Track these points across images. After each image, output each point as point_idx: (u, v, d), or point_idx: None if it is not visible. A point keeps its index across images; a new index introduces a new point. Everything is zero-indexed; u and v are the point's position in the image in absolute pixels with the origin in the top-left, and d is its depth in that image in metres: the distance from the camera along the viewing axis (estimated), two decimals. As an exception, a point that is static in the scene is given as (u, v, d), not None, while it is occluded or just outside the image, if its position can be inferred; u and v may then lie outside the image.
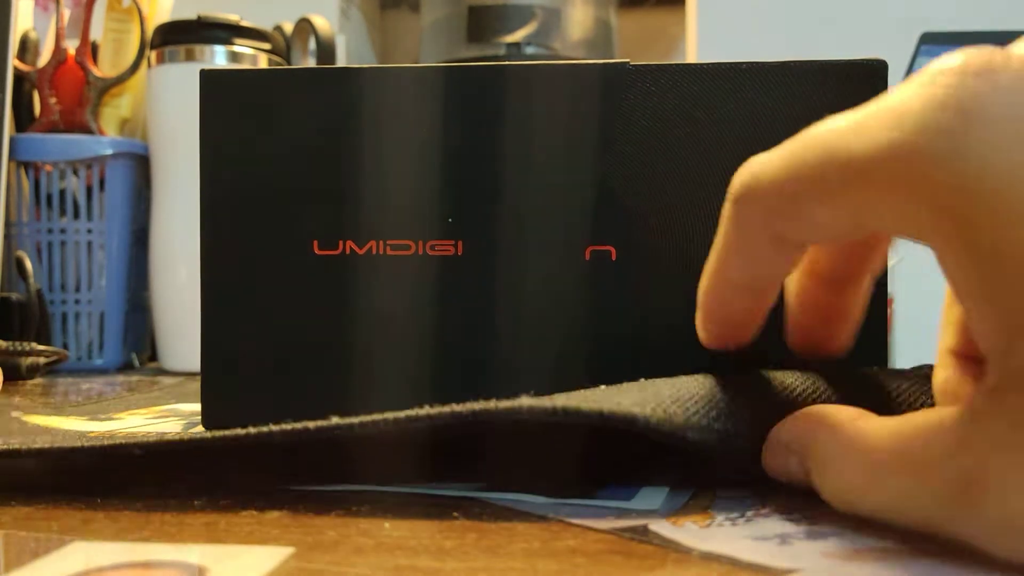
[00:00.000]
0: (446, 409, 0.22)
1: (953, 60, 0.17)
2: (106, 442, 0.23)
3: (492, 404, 0.22)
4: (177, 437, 0.23)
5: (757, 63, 0.31)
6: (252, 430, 0.22)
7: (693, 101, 0.31)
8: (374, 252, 0.32)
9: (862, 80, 0.30)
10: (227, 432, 0.23)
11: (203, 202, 0.32)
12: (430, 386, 0.32)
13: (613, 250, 0.31)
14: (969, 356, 0.23)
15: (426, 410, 0.22)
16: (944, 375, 0.24)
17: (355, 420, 0.22)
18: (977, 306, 0.17)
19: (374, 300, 0.32)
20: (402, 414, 0.22)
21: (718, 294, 0.24)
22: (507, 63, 0.32)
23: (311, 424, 0.22)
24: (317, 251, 0.32)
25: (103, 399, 0.45)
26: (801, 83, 0.30)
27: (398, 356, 0.32)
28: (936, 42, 0.78)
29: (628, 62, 0.31)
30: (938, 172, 0.17)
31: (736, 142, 0.31)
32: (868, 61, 0.30)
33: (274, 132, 0.32)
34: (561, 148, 0.31)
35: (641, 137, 0.31)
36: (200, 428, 0.33)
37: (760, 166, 0.21)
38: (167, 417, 0.37)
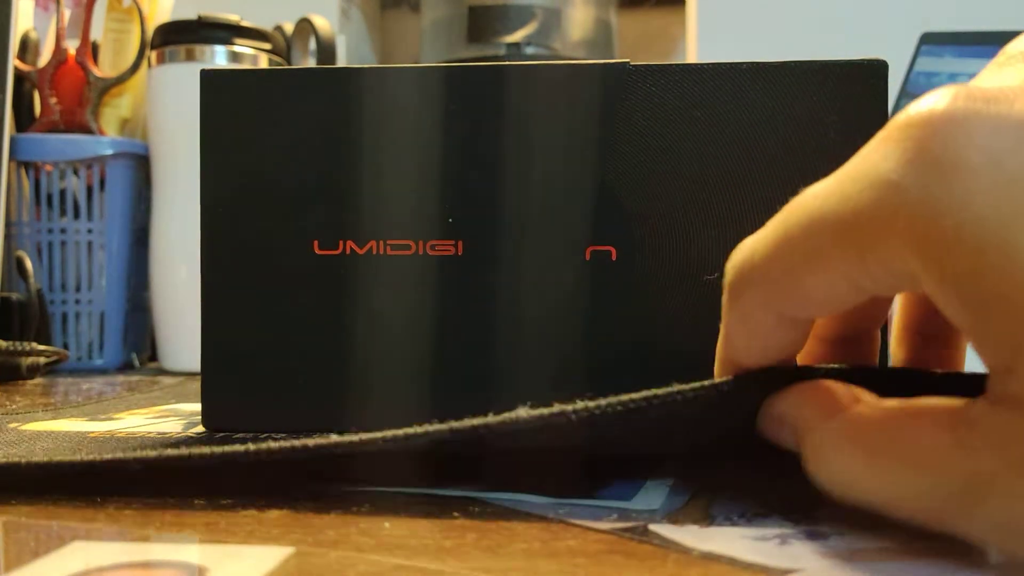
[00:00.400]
0: (444, 426, 0.22)
1: (919, 109, 0.17)
2: (106, 456, 0.23)
3: (489, 417, 0.22)
4: (176, 453, 0.23)
5: (757, 63, 0.31)
6: (251, 447, 0.22)
7: (693, 101, 0.31)
8: (374, 252, 0.31)
9: (862, 80, 0.30)
10: (227, 449, 0.23)
11: (203, 202, 0.32)
12: (430, 386, 0.32)
13: (613, 250, 0.31)
14: (929, 334, 0.23)
15: (424, 427, 0.22)
16: (903, 356, 0.23)
17: (355, 438, 0.22)
18: (976, 340, 0.17)
19: (374, 300, 0.32)
20: (401, 432, 0.22)
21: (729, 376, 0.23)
22: (507, 63, 0.32)
23: (310, 441, 0.22)
24: (317, 251, 0.32)
25: (103, 399, 0.45)
26: (801, 83, 0.30)
27: (398, 356, 0.32)
28: (936, 42, 0.79)
29: (628, 62, 0.31)
30: (919, 225, 0.17)
31: (737, 142, 0.31)
32: (868, 61, 0.30)
33: (274, 132, 0.32)
34: (561, 148, 0.31)
35: (641, 137, 0.31)
36: (200, 428, 0.33)
37: (751, 247, 0.20)
38: (167, 417, 0.37)
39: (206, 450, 0.23)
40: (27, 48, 0.68)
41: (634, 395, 0.21)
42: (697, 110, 0.31)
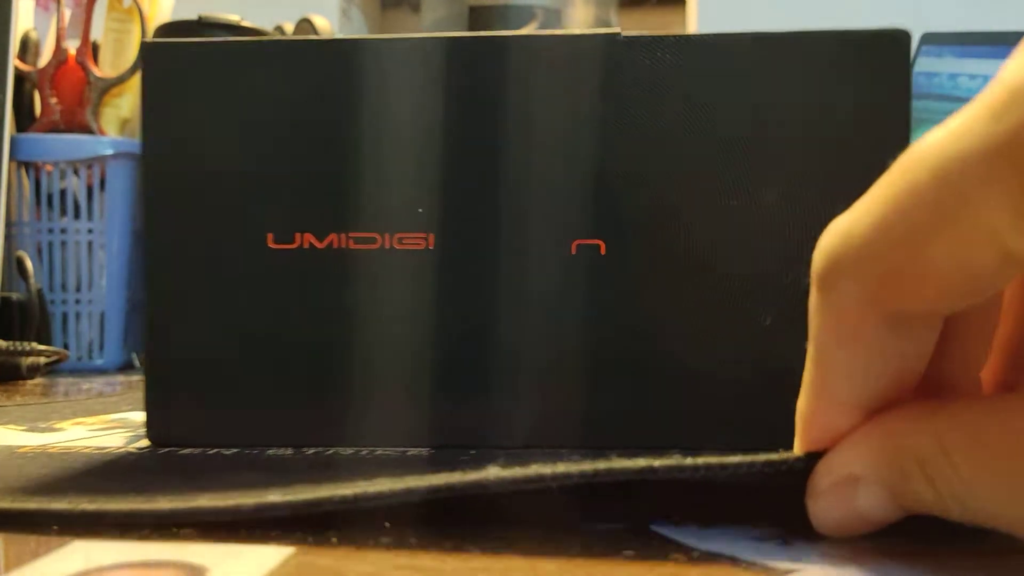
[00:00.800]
0: (399, 486, 0.19)
1: None
2: (29, 505, 0.20)
3: (455, 476, 0.19)
4: (115, 507, 0.20)
5: (763, 33, 0.27)
6: (204, 504, 0.19)
7: (692, 77, 0.27)
8: (335, 246, 0.28)
9: (881, 51, 0.27)
10: (172, 506, 0.19)
11: (145, 190, 0.29)
12: (398, 395, 0.29)
13: (603, 244, 0.28)
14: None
15: (376, 487, 0.19)
16: (993, 378, 0.19)
17: (308, 497, 0.19)
18: None
19: (335, 300, 0.28)
20: (372, 489, 0.19)
21: (823, 419, 0.18)
22: (481, 33, 0.28)
23: (248, 502, 0.19)
24: (271, 245, 0.28)
25: (52, 403, 0.42)
26: (813, 56, 0.27)
27: (363, 362, 0.28)
28: (936, 42, 0.78)
29: (619, 33, 0.28)
30: None
31: (740, 123, 0.27)
32: (889, 31, 0.27)
33: (224, 111, 0.28)
34: (544, 131, 0.28)
35: (635, 118, 0.27)
36: (145, 442, 0.30)
37: (848, 223, 0.16)
38: (114, 428, 0.34)
39: (144, 506, 0.19)
40: (27, 48, 0.68)
41: (627, 463, 0.18)
42: (696, 87, 0.27)
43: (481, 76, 0.28)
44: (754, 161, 0.28)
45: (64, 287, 0.64)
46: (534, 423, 0.28)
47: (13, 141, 0.62)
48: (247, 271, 0.29)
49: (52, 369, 0.60)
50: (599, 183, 0.28)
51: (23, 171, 0.64)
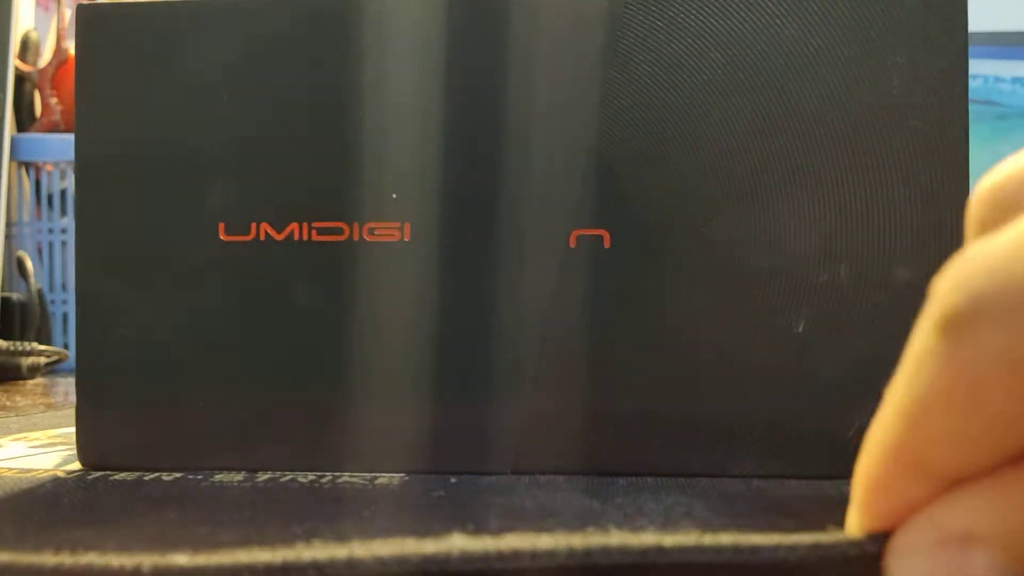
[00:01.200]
0: (358, 553, 0.15)
1: None
2: None
3: (407, 544, 0.15)
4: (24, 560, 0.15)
5: None
6: (95, 561, 0.15)
7: (709, 41, 0.24)
8: (296, 238, 0.24)
9: (935, 11, 0.23)
10: (62, 561, 0.15)
11: (78, 175, 0.25)
12: (367, 411, 0.25)
13: (607, 235, 0.24)
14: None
15: (328, 552, 0.15)
16: None
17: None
18: None
19: (297, 300, 0.25)
20: (306, 556, 0.15)
21: (905, 491, 0.14)
22: None
23: (147, 563, 0.15)
24: (223, 236, 0.25)
25: (9, 415, 0.38)
26: (854, 16, 0.23)
27: (327, 372, 0.25)
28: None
29: None
30: None
31: (768, 95, 0.23)
32: None
33: (169, 84, 0.25)
34: (540, 102, 0.24)
35: (643, 89, 0.24)
36: (77, 464, 0.26)
37: (1004, 250, 0.12)
38: (55, 446, 0.29)
39: (21, 559, 0.15)
40: (28, 48, 0.68)
41: (631, 539, 0.14)
42: (715, 52, 0.23)
43: (466, 37, 0.24)
44: (785, 137, 0.23)
45: (64, 287, 0.64)
46: (525, 443, 0.24)
47: (13, 141, 0.62)
48: (195, 266, 0.25)
49: (52, 369, 0.60)
50: (602, 164, 0.24)
51: (23, 171, 0.64)
